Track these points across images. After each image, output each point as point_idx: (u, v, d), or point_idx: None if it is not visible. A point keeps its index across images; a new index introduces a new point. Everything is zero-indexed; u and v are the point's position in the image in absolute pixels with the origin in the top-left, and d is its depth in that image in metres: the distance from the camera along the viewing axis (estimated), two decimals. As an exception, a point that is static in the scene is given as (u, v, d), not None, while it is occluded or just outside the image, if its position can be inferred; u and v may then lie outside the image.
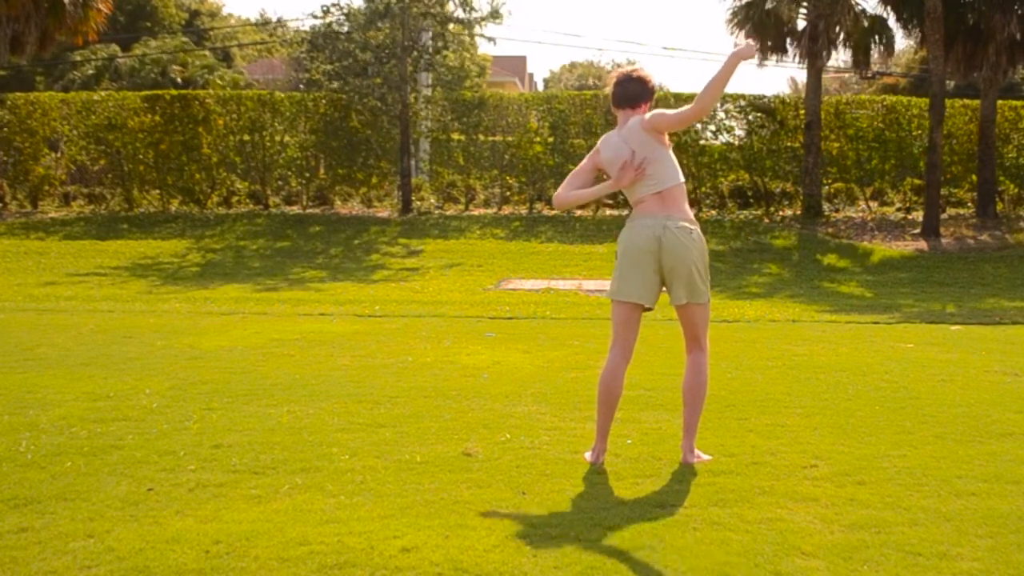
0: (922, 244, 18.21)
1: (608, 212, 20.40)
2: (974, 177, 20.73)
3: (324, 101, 21.09)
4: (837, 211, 20.92)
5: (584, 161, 4.77)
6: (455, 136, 21.59)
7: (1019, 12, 18.84)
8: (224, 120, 21.16)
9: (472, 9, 20.71)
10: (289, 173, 21.53)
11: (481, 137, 21.46)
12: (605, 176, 4.75)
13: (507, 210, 21.04)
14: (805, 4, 20.19)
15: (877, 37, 20.38)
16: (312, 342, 8.40)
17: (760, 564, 3.34)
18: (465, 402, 5.90)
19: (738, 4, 20.76)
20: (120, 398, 5.94)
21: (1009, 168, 21.08)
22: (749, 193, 20.92)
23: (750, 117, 21.05)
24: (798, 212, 20.36)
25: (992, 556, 3.43)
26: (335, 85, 20.62)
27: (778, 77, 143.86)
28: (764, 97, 21.19)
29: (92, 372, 6.82)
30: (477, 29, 21.28)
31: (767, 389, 6.34)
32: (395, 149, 20.94)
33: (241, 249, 17.94)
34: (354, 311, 11.18)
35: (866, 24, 20.23)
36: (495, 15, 20.57)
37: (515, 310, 11.43)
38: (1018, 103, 21.85)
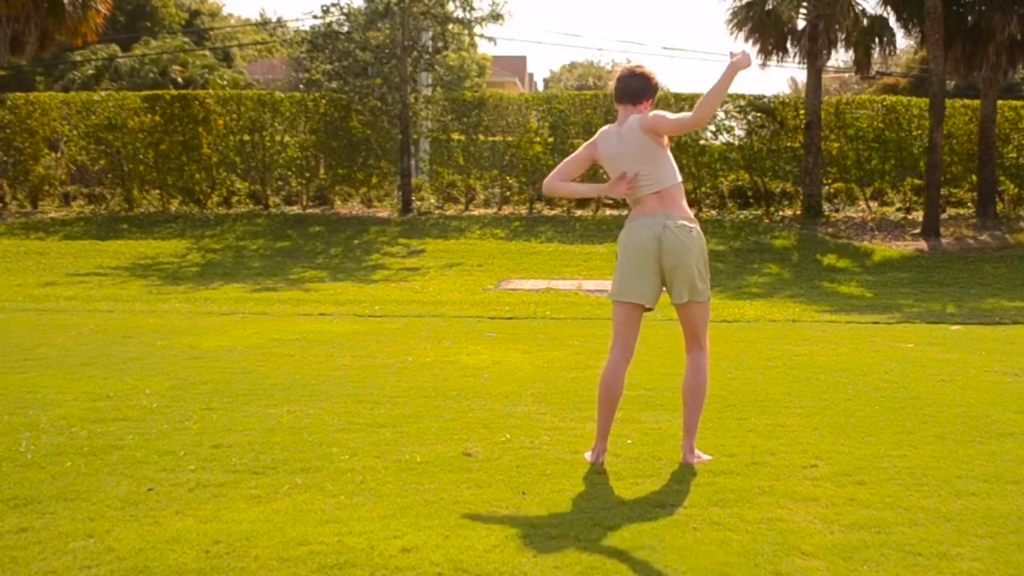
0: (922, 244, 18.21)
1: (608, 212, 20.39)
2: (974, 177, 20.73)
3: (324, 101, 21.09)
4: (837, 211, 20.92)
5: (580, 150, 4.76)
6: (455, 136, 21.59)
7: (1019, 12, 18.83)
8: (224, 120, 21.15)
9: (472, 9, 20.72)
10: (289, 173, 21.53)
11: (481, 137, 21.46)
12: (605, 176, 4.75)
13: (507, 210, 21.05)
14: (805, 4, 20.18)
15: (877, 37, 20.36)
16: (312, 342, 8.40)
17: (760, 564, 3.35)
18: (465, 402, 5.90)
19: (738, 4, 20.75)
20: (120, 398, 5.94)
21: (1009, 168, 21.08)
22: (749, 193, 20.92)
23: (750, 117, 21.04)
24: (798, 212, 20.36)
25: (992, 556, 3.43)
26: (335, 85, 20.61)
27: (778, 77, 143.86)
28: (764, 97, 21.19)
29: (92, 372, 6.82)
30: (478, 29, 21.28)
31: (767, 389, 6.34)
32: (395, 149, 20.94)
33: (241, 249, 17.94)
34: (354, 311, 11.18)
35: (866, 24, 20.22)
36: (496, 16, 20.58)
37: (515, 310, 11.43)
38: (1018, 103, 21.85)
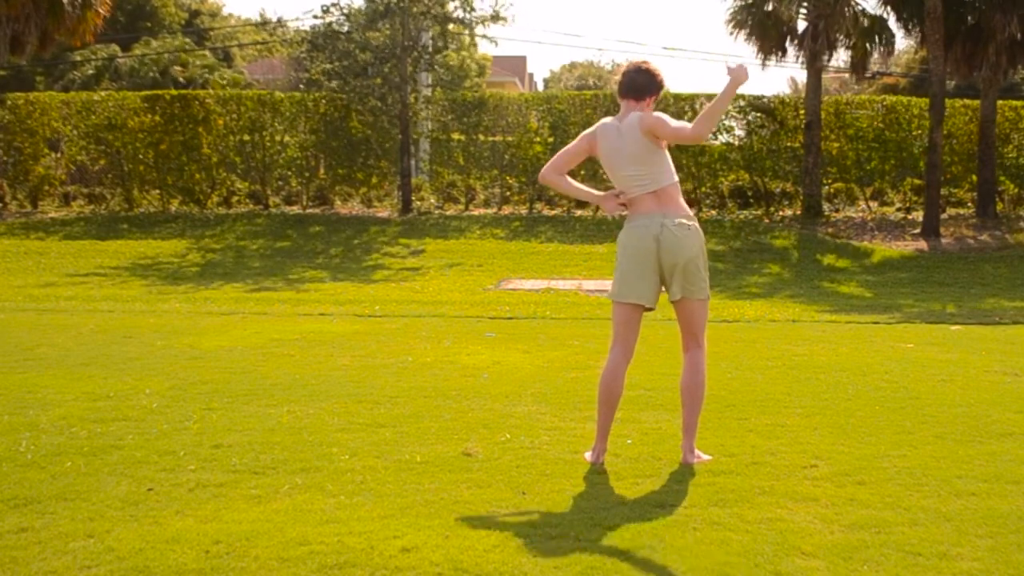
0: (922, 244, 18.21)
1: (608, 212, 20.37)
2: (974, 177, 20.73)
3: (324, 101, 21.08)
4: (837, 211, 20.92)
5: (577, 141, 4.75)
6: (455, 136, 21.59)
7: (1019, 12, 18.83)
8: (224, 120, 21.15)
9: (472, 9, 20.72)
10: (289, 173, 21.53)
11: (481, 137, 21.45)
12: (604, 175, 4.76)
13: (507, 210, 21.04)
14: (805, 4, 20.17)
15: (877, 37, 20.36)
16: (312, 342, 8.40)
17: (760, 564, 3.35)
18: (465, 402, 5.90)
19: (738, 5, 20.75)
20: (120, 398, 5.94)
21: (1009, 168, 21.07)
22: (749, 193, 20.91)
23: (750, 117, 21.04)
24: (798, 212, 20.35)
25: (992, 556, 3.43)
26: (335, 85, 20.61)
27: (778, 77, 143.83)
28: (764, 97, 21.19)
29: (92, 372, 6.82)
30: (479, 29, 21.28)
31: (767, 389, 6.34)
32: (395, 149, 20.94)
33: (241, 249, 17.94)
34: (354, 311, 11.18)
35: (866, 24, 20.21)
36: (498, 17, 20.57)
37: (515, 310, 11.43)
38: (1018, 103, 21.85)
